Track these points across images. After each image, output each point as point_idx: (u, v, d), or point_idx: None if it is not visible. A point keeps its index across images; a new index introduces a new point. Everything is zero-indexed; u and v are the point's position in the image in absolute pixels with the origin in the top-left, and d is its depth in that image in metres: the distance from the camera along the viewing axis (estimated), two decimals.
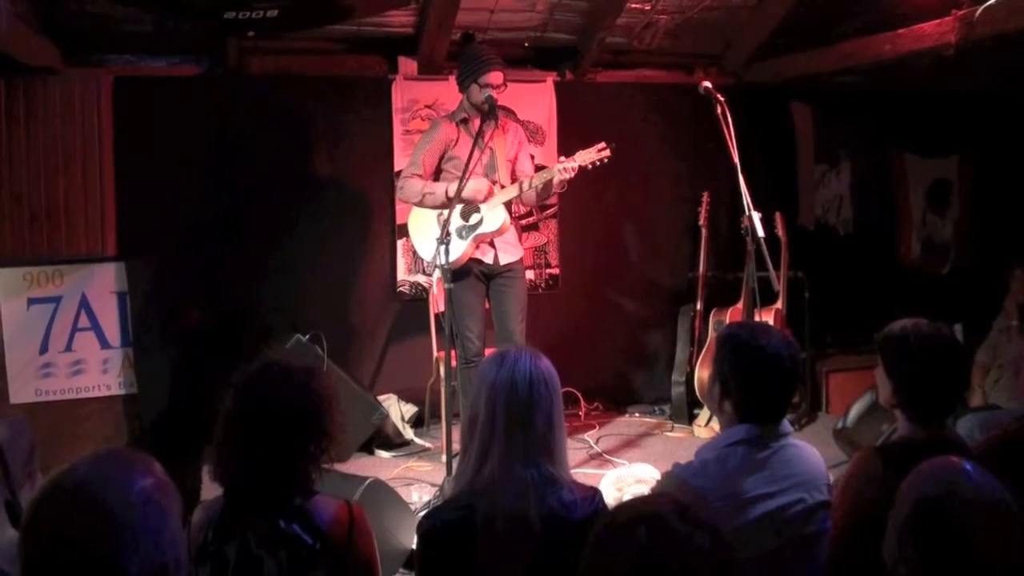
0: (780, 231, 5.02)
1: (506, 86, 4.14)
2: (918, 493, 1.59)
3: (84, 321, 4.67)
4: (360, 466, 4.37)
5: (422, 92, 5.17)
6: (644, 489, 3.59)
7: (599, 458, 4.56)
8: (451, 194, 3.95)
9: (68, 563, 1.27)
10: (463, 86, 4.20)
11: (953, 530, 1.52)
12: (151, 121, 4.67)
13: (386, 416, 4.71)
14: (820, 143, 6.11)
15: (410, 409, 5.02)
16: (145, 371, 4.74)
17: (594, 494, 1.99)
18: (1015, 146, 6.06)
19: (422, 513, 3.43)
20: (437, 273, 3.80)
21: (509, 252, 4.28)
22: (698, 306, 5.29)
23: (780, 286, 4.63)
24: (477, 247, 4.18)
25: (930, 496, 1.57)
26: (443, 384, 3.99)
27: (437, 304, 4.72)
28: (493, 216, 4.14)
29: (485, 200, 4.12)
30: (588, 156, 4.01)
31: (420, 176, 4.20)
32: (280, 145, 4.97)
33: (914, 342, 2.23)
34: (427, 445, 4.80)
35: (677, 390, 5.26)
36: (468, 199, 4.09)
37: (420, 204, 4.20)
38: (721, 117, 4.02)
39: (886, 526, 1.64)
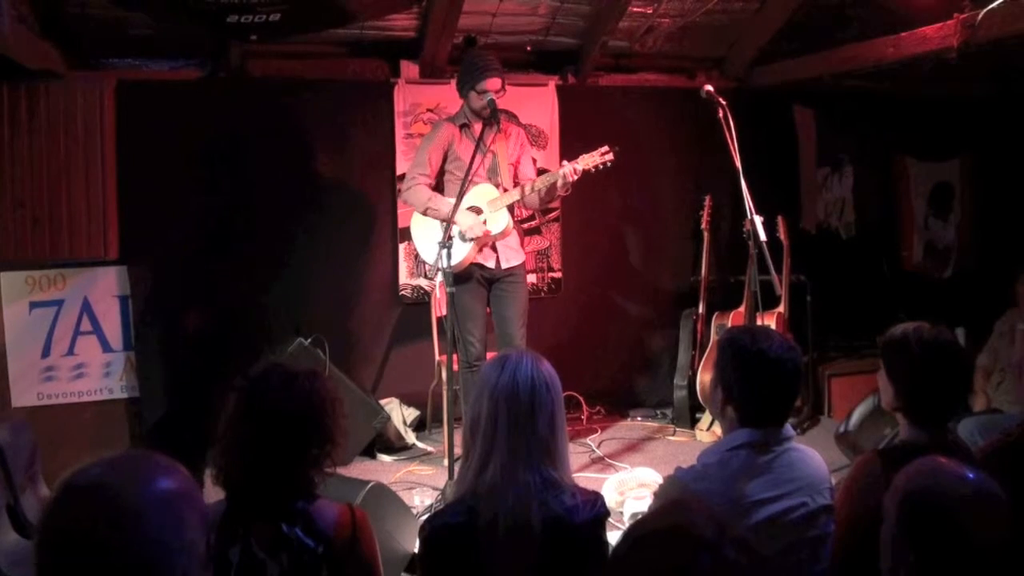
0: (782, 235, 5.02)
1: (505, 91, 4.15)
2: (901, 494, 1.59)
3: (86, 325, 4.67)
4: (362, 470, 4.37)
5: (424, 96, 5.17)
6: (646, 493, 3.59)
7: (601, 462, 4.55)
8: (452, 214, 3.92)
9: (84, 563, 1.25)
10: (462, 93, 4.21)
11: (940, 518, 1.52)
12: (153, 125, 4.66)
13: (388, 420, 4.72)
14: (822, 147, 6.11)
15: (412, 413, 5.01)
16: (147, 375, 4.74)
17: (596, 498, 1.99)
18: (1017, 149, 6.06)
19: (424, 517, 3.42)
20: (439, 277, 3.79)
21: (511, 256, 4.28)
22: (700, 310, 5.29)
23: (782, 290, 4.62)
24: (480, 251, 4.18)
25: (912, 491, 1.57)
26: (445, 388, 4.00)
27: (439, 308, 4.72)
28: (497, 219, 4.15)
29: (481, 238, 4.11)
30: (592, 159, 4.02)
31: (427, 177, 4.22)
32: (282, 149, 4.97)
33: (916, 346, 2.22)
34: (429, 449, 4.80)
35: (679, 394, 5.26)
36: (465, 233, 4.08)
37: (423, 213, 4.23)
38: (723, 121, 4.03)
39: None
